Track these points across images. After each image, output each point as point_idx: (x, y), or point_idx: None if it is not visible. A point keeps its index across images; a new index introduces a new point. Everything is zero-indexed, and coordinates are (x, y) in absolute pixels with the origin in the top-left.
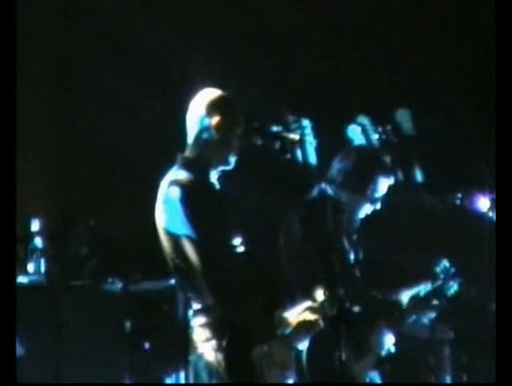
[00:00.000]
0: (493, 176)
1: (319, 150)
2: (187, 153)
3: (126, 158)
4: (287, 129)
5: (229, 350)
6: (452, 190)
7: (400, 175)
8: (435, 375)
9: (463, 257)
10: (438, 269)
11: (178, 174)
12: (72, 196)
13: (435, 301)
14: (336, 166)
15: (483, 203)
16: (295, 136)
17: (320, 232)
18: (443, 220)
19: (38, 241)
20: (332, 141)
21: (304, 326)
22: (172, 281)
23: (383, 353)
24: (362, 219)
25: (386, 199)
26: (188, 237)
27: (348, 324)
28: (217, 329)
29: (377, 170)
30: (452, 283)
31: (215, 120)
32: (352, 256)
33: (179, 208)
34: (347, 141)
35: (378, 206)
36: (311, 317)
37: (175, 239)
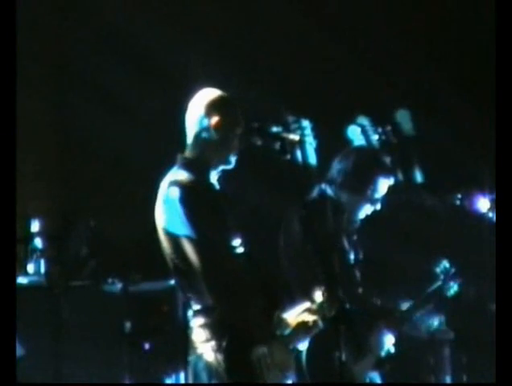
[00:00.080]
0: (493, 176)
1: (319, 151)
2: (187, 153)
3: (126, 159)
4: (287, 129)
5: (228, 350)
6: (452, 191)
7: (400, 176)
8: (435, 376)
9: (463, 258)
10: (438, 270)
11: (178, 174)
12: (72, 196)
13: (435, 302)
14: (336, 166)
15: (483, 204)
16: (294, 136)
17: (320, 233)
18: (443, 221)
19: (38, 242)
20: (331, 141)
21: (303, 327)
22: (172, 282)
23: (383, 353)
24: (362, 220)
25: (386, 199)
26: (188, 237)
27: (348, 324)
28: (217, 329)
29: (377, 170)
30: (452, 283)
31: (214, 120)
32: (352, 257)
33: (178, 208)
34: (347, 142)
35: (378, 206)
36: (310, 318)
37: (174, 239)
